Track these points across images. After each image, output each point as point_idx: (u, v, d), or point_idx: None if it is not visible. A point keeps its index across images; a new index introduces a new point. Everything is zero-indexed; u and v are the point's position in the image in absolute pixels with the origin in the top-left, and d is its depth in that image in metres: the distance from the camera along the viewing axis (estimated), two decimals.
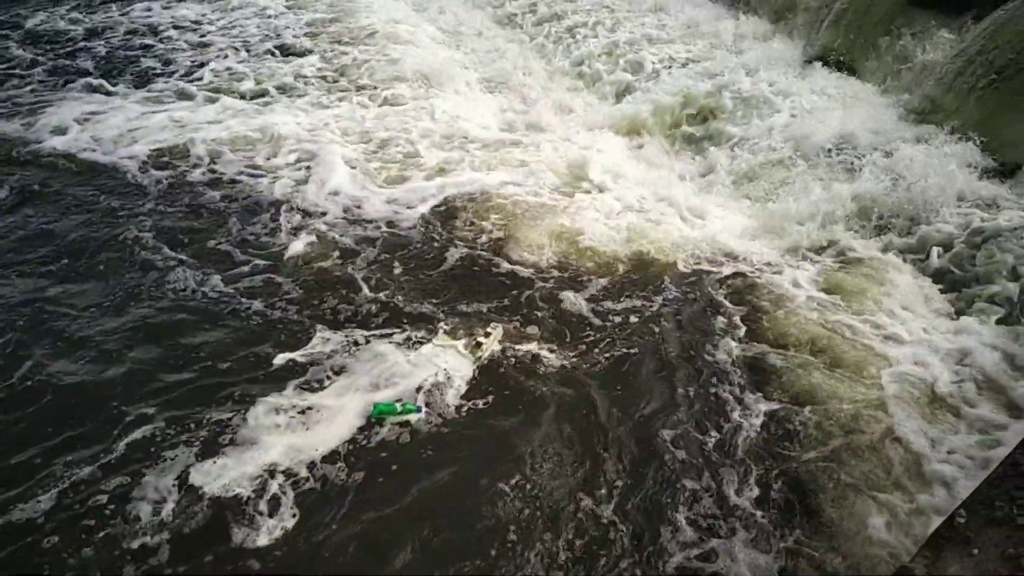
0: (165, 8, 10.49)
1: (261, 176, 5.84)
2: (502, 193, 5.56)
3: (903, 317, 4.03)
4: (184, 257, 4.70)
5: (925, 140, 5.48)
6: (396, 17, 10.21)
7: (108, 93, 7.45)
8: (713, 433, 3.37)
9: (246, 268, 4.59)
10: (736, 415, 3.47)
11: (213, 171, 5.92)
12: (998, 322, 3.98)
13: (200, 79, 7.91)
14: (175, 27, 9.74)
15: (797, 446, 3.29)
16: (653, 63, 8.06)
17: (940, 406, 3.46)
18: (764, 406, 3.50)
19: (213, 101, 7.29)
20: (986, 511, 2.36)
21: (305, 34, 9.51)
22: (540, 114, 7.22)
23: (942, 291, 4.28)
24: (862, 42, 7.13)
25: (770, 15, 8.65)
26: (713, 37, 8.57)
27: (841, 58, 7.31)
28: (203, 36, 9.37)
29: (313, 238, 4.97)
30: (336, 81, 7.95)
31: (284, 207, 5.38)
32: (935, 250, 4.50)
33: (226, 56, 8.65)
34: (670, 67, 7.90)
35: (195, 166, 5.99)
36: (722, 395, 3.61)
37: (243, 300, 4.24)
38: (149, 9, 10.41)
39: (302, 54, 8.74)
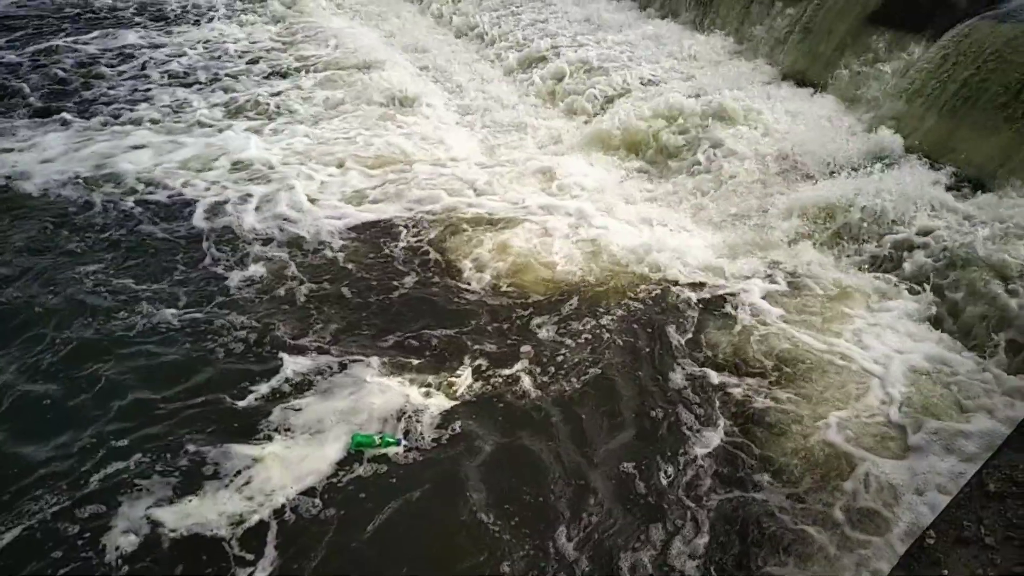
0: (110, 38, 10.50)
1: (206, 202, 5.83)
2: (461, 215, 5.62)
3: (869, 336, 4.10)
4: (136, 290, 4.66)
5: (889, 156, 5.67)
6: (360, 43, 10.34)
7: (47, 123, 7.40)
8: (673, 468, 3.37)
9: (201, 299, 4.57)
10: (696, 449, 3.46)
11: (156, 199, 5.90)
12: (966, 339, 4.07)
13: (141, 106, 7.90)
14: (120, 56, 9.74)
15: (755, 483, 3.28)
16: (618, 83, 8.25)
17: (905, 429, 3.48)
18: (724, 438, 3.51)
19: (156, 127, 7.29)
20: (954, 531, 2.40)
21: (250, 61, 9.57)
22: (503, 135, 7.36)
23: (910, 309, 4.37)
24: (825, 60, 7.40)
25: (734, 35, 8.95)
26: (678, 57, 8.82)
27: (805, 76, 7.59)
28: (144, 67, 9.35)
29: (266, 264, 4.97)
30: (285, 107, 7.99)
31: (232, 233, 5.39)
32: (902, 267, 4.62)
33: (169, 84, 8.67)
34: (637, 87, 8.10)
35: (136, 195, 5.97)
36: (685, 424, 3.62)
37: (202, 333, 4.22)
38: (87, 42, 10.39)
39: (252, 81, 8.79)
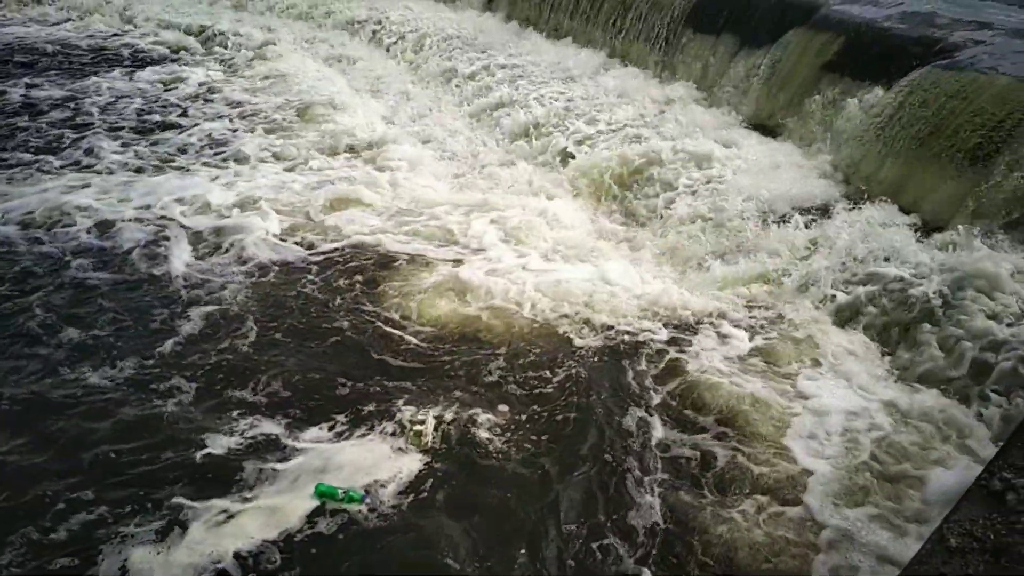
0: (55, 85, 10.44)
1: (140, 247, 5.79)
2: (416, 258, 5.66)
3: (828, 387, 4.12)
4: (81, 345, 4.58)
5: (849, 200, 5.84)
6: (324, 86, 10.45)
7: None
8: (614, 536, 3.32)
9: (145, 351, 4.50)
10: (640, 518, 3.40)
11: (87, 245, 5.82)
12: (922, 389, 4.11)
13: (74, 152, 7.82)
14: (61, 102, 9.65)
15: (698, 560, 3.21)
16: (584, 129, 8.46)
17: (863, 484, 3.46)
18: (670, 503, 3.47)
19: (91, 172, 7.26)
20: None
21: (200, 107, 9.60)
22: (465, 178, 7.45)
23: (873, 353, 4.43)
24: (785, 107, 7.69)
25: (696, 83, 9.29)
26: (643, 104, 9.09)
27: (767, 123, 7.86)
28: (84, 113, 9.20)
29: (207, 313, 4.91)
30: (233, 150, 8.00)
31: (168, 280, 5.33)
32: (861, 314, 4.70)
33: (111, 130, 8.61)
34: (603, 133, 8.30)
35: (72, 241, 5.88)
36: (634, 481, 3.58)
37: (152, 388, 4.17)
38: (30, 87, 10.32)
39: (200, 126, 8.82)
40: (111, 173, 7.32)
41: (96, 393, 4.14)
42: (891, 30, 7.21)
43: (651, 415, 4.04)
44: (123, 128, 8.73)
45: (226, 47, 12.81)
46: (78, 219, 6.25)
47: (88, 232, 6.06)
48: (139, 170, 7.42)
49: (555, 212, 6.55)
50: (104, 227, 6.15)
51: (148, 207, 6.47)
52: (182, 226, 6.18)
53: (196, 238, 5.99)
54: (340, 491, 3.42)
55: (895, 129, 6.12)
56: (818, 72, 7.51)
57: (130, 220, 6.25)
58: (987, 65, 5.98)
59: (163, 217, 6.34)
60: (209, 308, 5.00)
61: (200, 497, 3.43)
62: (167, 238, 5.97)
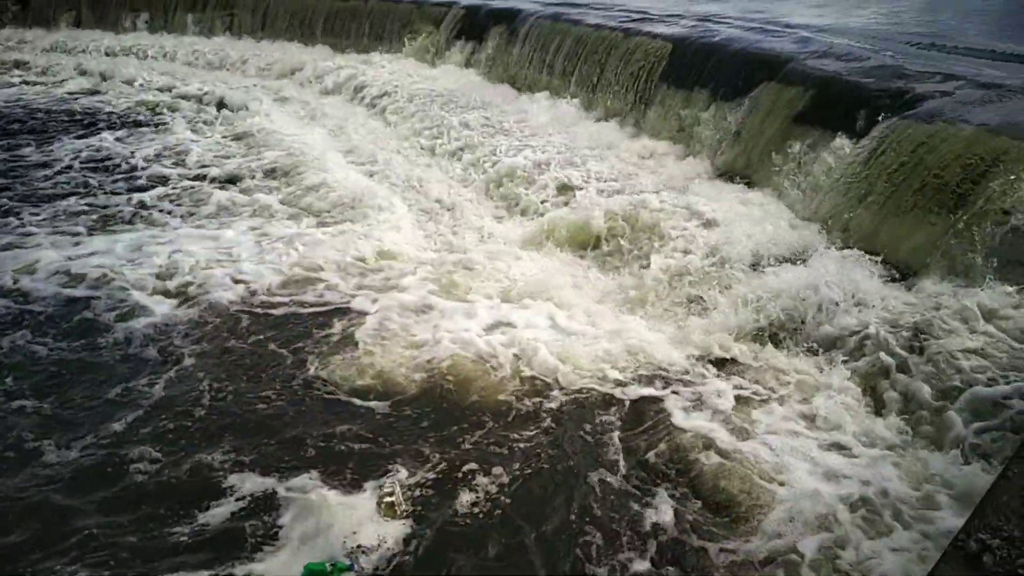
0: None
1: (99, 312, 5.77)
2: (388, 316, 5.64)
3: (807, 443, 4.07)
4: (46, 413, 4.52)
5: (823, 249, 5.92)
6: (305, 146, 10.64)
7: None
8: None
9: (99, 423, 4.41)
10: None
11: (31, 308, 5.81)
12: (908, 441, 4.09)
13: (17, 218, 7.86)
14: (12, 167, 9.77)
15: None
16: (560, 182, 8.62)
17: (842, 545, 3.39)
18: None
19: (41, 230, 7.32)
20: None
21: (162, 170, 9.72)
22: (440, 230, 7.56)
23: (851, 406, 4.40)
24: (758, 158, 7.89)
25: (671, 136, 9.56)
26: (619, 157, 9.32)
27: (742, 174, 8.05)
28: (27, 177, 9.31)
29: (168, 378, 4.86)
30: (187, 211, 8.10)
31: (128, 345, 5.30)
32: (839, 363, 4.71)
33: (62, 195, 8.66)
34: (579, 186, 8.46)
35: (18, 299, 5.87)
36: (596, 558, 3.50)
37: (117, 462, 4.10)
38: None
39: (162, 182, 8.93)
40: (62, 233, 7.34)
41: (56, 467, 4.06)
42: (859, 83, 7.48)
43: (619, 478, 3.98)
44: (79, 188, 8.80)
45: (197, 106, 13.05)
46: (22, 281, 6.25)
47: (33, 296, 6.03)
48: (90, 231, 7.46)
49: (529, 265, 6.61)
50: (51, 290, 6.12)
51: (100, 270, 6.46)
52: (138, 288, 6.17)
53: (152, 299, 5.96)
54: (328, 565, 3.38)
55: (866, 178, 6.27)
56: (789, 124, 7.74)
57: (78, 283, 6.24)
58: (954, 116, 6.18)
59: (121, 279, 6.30)
60: (164, 373, 4.93)
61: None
62: (121, 300, 5.94)
